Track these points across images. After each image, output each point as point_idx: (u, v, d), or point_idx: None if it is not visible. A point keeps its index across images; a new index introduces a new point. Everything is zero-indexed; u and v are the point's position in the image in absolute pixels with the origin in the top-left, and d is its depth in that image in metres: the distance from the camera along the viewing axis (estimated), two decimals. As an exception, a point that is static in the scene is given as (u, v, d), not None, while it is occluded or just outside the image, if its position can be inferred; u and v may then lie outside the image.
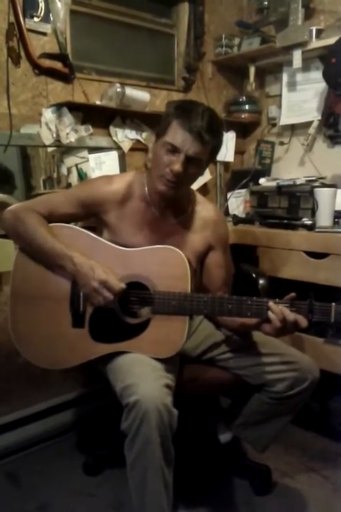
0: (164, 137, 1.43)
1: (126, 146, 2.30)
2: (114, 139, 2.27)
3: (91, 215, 1.59)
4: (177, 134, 1.41)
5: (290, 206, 2.28)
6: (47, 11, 2.00)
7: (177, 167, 1.41)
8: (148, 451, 1.27)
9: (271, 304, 1.37)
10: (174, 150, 1.42)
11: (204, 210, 1.64)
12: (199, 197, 1.67)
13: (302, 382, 1.53)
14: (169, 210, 1.57)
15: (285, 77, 2.60)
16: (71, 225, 1.55)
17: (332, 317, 1.33)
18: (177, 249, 1.45)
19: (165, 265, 1.45)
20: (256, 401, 1.64)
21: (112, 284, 1.40)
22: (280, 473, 1.89)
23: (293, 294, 1.38)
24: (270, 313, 1.37)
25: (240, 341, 1.63)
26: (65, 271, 1.46)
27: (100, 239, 1.53)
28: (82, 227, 1.58)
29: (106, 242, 1.51)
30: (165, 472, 1.31)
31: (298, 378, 1.53)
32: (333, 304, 1.33)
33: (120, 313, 1.46)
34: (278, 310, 1.35)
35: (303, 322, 1.35)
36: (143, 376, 1.34)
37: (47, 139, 2.05)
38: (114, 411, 1.43)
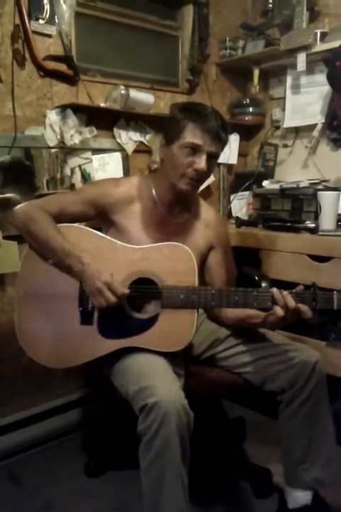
0: (181, 140, 1.48)
1: (129, 148, 2.31)
2: (118, 140, 2.27)
3: (100, 215, 1.61)
4: (196, 135, 1.47)
5: (294, 209, 2.28)
6: (52, 13, 2.00)
7: (202, 165, 1.48)
8: (168, 453, 1.28)
9: (274, 290, 1.41)
10: (195, 150, 1.47)
11: (206, 212, 1.71)
12: (201, 200, 1.74)
13: (305, 367, 1.52)
14: (175, 210, 1.62)
15: (289, 80, 2.60)
16: (78, 225, 1.59)
17: (334, 304, 1.39)
18: (183, 245, 1.50)
19: (172, 261, 1.48)
20: (285, 427, 1.60)
21: (116, 287, 1.43)
22: (281, 477, 1.88)
23: (300, 286, 1.43)
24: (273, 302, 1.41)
25: (240, 339, 1.65)
26: (73, 270, 1.48)
27: (107, 237, 1.55)
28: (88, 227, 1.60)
29: (114, 240, 1.54)
30: (182, 473, 1.32)
31: (300, 365, 1.53)
32: (335, 291, 1.39)
33: (129, 309, 1.48)
34: (281, 297, 1.39)
35: (306, 309, 1.39)
36: (158, 378, 1.35)
37: (52, 140, 2.05)
38: (117, 412, 1.44)
